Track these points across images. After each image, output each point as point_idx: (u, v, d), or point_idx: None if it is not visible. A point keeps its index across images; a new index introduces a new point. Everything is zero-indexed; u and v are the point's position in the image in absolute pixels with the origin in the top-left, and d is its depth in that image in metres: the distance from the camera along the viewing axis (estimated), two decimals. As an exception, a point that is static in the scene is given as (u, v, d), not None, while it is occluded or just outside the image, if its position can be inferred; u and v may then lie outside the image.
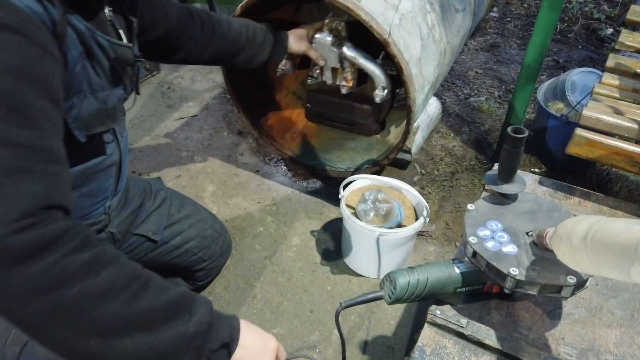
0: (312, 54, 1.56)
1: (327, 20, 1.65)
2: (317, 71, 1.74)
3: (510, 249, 0.83)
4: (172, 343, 0.65)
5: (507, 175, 0.94)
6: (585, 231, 0.64)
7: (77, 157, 0.90)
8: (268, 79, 2.05)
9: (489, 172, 0.99)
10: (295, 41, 1.50)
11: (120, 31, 0.91)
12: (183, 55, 1.29)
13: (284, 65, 1.75)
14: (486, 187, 1.09)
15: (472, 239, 0.85)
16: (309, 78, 1.82)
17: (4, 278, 0.56)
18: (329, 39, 1.60)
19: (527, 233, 0.87)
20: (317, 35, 1.61)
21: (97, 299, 0.61)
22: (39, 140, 0.63)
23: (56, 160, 0.66)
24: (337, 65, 1.67)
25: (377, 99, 1.66)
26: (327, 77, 1.74)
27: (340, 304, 0.87)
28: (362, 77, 1.81)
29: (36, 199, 0.60)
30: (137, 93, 1.02)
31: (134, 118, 2.29)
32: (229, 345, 0.71)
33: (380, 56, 1.62)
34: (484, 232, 0.86)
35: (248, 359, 0.74)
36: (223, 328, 0.71)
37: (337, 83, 1.75)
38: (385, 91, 1.64)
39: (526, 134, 0.87)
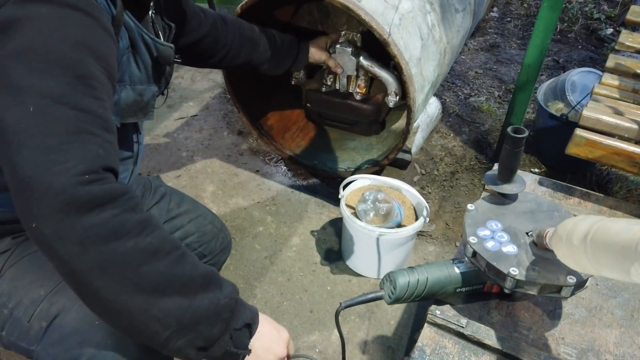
0: (331, 63, 1.66)
1: (343, 32, 1.79)
2: (331, 79, 1.82)
3: (510, 249, 0.83)
4: (207, 310, 0.69)
5: (507, 175, 0.94)
6: (585, 231, 0.64)
7: None
8: (268, 79, 2.05)
9: (489, 172, 0.99)
10: (316, 51, 1.60)
11: (160, 33, 0.98)
12: (216, 60, 1.38)
13: (298, 73, 1.92)
14: (486, 187, 1.09)
15: (472, 239, 0.85)
16: (323, 86, 1.91)
17: (67, 225, 0.60)
18: (349, 49, 1.74)
19: (527, 233, 0.87)
20: (338, 45, 1.76)
21: (147, 256, 0.65)
22: (99, 109, 0.68)
23: (112, 130, 0.71)
24: (354, 73, 1.79)
25: (391, 104, 1.78)
26: (342, 84, 1.86)
27: (340, 304, 0.87)
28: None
29: (99, 159, 0.65)
30: (166, 93, 1.08)
31: (134, 118, 2.29)
32: (251, 326, 0.75)
33: (392, 63, 1.68)
34: (484, 232, 0.86)
35: (264, 345, 0.77)
36: (246, 310, 0.76)
37: (351, 90, 1.85)
38: (398, 97, 1.74)
39: (526, 134, 0.87)
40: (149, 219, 0.68)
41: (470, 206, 0.93)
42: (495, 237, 0.85)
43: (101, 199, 0.63)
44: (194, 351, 0.69)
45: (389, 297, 0.86)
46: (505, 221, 0.89)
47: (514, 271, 0.79)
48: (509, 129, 0.88)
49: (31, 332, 0.83)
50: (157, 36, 0.97)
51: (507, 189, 0.95)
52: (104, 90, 0.70)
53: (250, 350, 0.76)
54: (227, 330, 0.72)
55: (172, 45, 0.97)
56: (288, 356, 0.85)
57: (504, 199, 0.95)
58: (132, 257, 0.64)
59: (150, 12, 0.94)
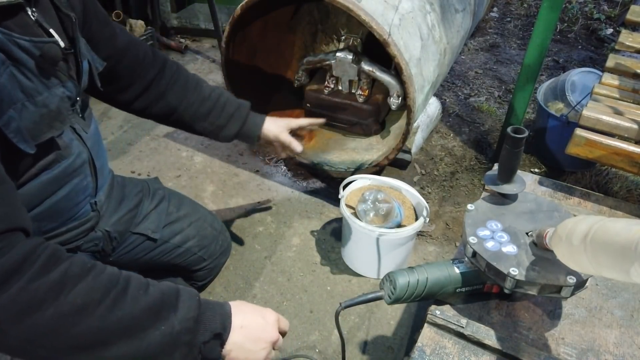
0: (285, 140, 1.31)
1: (344, 37, 1.82)
2: (333, 81, 1.85)
3: (510, 249, 0.83)
4: (160, 343, 0.65)
5: (507, 176, 0.94)
6: (585, 231, 0.64)
7: (40, 167, 0.87)
8: (268, 79, 2.05)
9: (488, 172, 0.99)
10: (271, 124, 1.30)
11: (52, 30, 0.85)
12: (133, 94, 1.15)
13: (300, 76, 1.95)
14: (486, 187, 1.09)
15: (472, 239, 0.85)
16: (325, 88, 1.91)
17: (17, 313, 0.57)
18: (350, 57, 1.76)
19: (527, 233, 0.87)
20: (338, 54, 1.78)
21: (74, 317, 0.60)
22: None
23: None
24: (356, 79, 1.83)
25: (393, 107, 1.80)
26: (344, 88, 1.89)
27: (340, 304, 0.87)
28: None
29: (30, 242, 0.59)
30: (98, 87, 0.98)
31: (134, 118, 2.28)
32: (221, 334, 0.71)
33: (393, 65, 1.70)
34: (483, 232, 0.86)
35: (251, 337, 0.74)
36: (214, 318, 0.71)
37: (353, 91, 1.88)
38: (400, 98, 1.75)
39: (526, 134, 0.87)
40: (66, 273, 0.62)
41: (470, 206, 0.93)
42: (495, 237, 0.85)
43: (1, 276, 0.58)
44: None
45: (389, 297, 0.86)
46: (505, 221, 0.89)
47: (513, 271, 0.79)
48: (509, 129, 0.88)
49: None
50: (49, 35, 0.84)
51: (507, 189, 0.95)
52: None
53: (224, 356, 0.72)
54: (193, 349, 0.68)
55: (54, 39, 0.84)
56: (283, 333, 0.81)
57: (504, 199, 0.95)
58: (57, 324, 0.60)
59: (29, 11, 0.81)
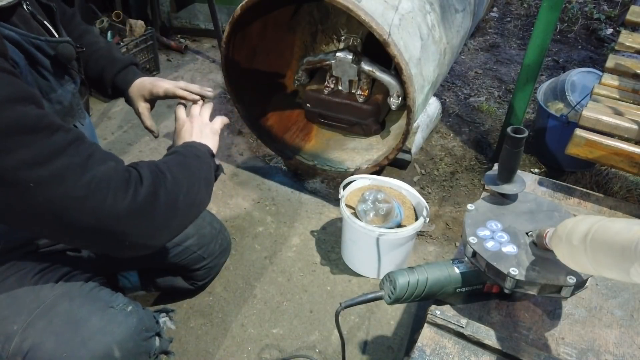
0: (140, 113, 1.20)
1: (344, 37, 1.81)
2: (333, 81, 1.85)
3: (510, 249, 0.83)
4: (208, 171, 0.95)
5: (507, 176, 0.94)
6: (585, 231, 0.64)
7: None
8: (268, 79, 2.05)
9: (488, 172, 0.99)
10: (137, 89, 1.16)
11: (45, 22, 0.89)
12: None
13: (300, 76, 1.95)
14: (486, 187, 1.09)
15: (472, 239, 0.85)
16: (325, 88, 1.89)
17: (150, 224, 0.78)
18: (349, 57, 1.76)
19: (527, 233, 0.87)
20: (338, 54, 1.77)
21: (191, 188, 0.87)
22: (68, 133, 0.71)
23: (86, 138, 0.75)
24: (356, 79, 1.83)
25: (393, 107, 1.80)
26: (345, 88, 1.88)
27: (340, 304, 0.87)
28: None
29: (117, 169, 0.75)
30: (86, 83, 1.03)
31: (134, 118, 2.28)
32: (211, 151, 0.99)
33: (393, 65, 1.70)
34: (483, 232, 0.86)
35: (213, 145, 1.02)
36: (204, 149, 0.98)
37: (353, 91, 1.87)
38: (400, 98, 1.74)
39: (526, 134, 0.87)
40: (171, 169, 0.86)
41: (470, 206, 0.93)
42: (495, 237, 0.85)
43: (153, 192, 0.78)
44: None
45: (389, 297, 0.86)
46: (505, 221, 0.89)
47: (513, 271, 0.79)
48: (509, 129, 0.88)
49: None
50: (44, 28, 0.88)
51: (507, 189, 0.95)
52: (53, 116, 0.71)
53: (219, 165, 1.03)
54: (212, 164, 0.98)
55: (68, 39, 0.89)
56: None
57: (504, 199, 0.95)
58: (189, 197, 0.87)
59: (24, 5, 0.84)
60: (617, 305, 0.95)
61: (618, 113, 1.30)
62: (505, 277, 0.80)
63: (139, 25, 2.46)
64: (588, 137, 1.26)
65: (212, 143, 1.02)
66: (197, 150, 0.96)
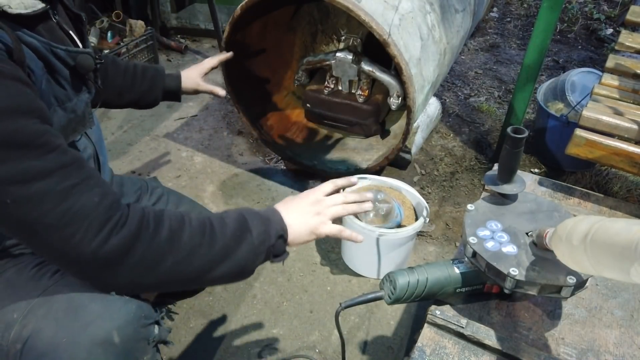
0: (205, 88, 1.44)
1: (344, 37, 1.80)
2: (333, 81, 1.85)
3: (510, 249, 0.83)
4: (248, 256, 0.82)
5: (507, 176, 0.94)
6: (585, 231, 0.64)
7: None
8: (268, 79, 2.06)
9: (488, 172, 0.99)
10: (187, 78, 1.40)
11: (71, 32, 0.89)
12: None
13: (300, 76, 1.95)
14: (486, 187, 1.09)
15: (472, 239, 0.85)
16: (325, 88, 1.89)
17: (112, 277, 0.72)
18: (349, 57, 1.76)
19: (527, 233, 0.87)
20: (338, 54, 1.77)
21: (187, 259, 0.77)
22: (63, 156, 0.69)
23: (83, 164, 0.72)
24: (356, 79, 1.83)
25: (393, 107, 1.80)
26: (345, 88, 1.88)
27: (340, 304, 0.87)
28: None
29: (100, 206, 0.70)
30: (100, 88, 1.02)
31: (134, 118, 2.29)
32: (283, 235, 0.87)
33: (393, 65, 1.70)
34: (483, 233, 0.86)
35: (297, 213, 0.89)
36: (275, 224, 0.86)
37: (353, 91, 1.88)
38: (400, 98, 1.74)
39: (526, 134, 0.87)
40: (172, 227, 0.77)
41: (470, 206, 0.93)
42: (495, 238, 0.85)
43: (126, 245, 0.71)
44: (248, 277, 0.87)
45: (389, 297, 0.86)
46: (505, 221, 0.89)
47: (514, 271, 0.79)
48: (509, 129, 0.88)
49: (10, 355, 0.84)
50: (69, 36, 0.88)
51: (507, 189, 0.95)
52: (53, 136, 0.69)
53: (287, 252, 0.90)
54: (269, 254, 0.86)
55: (89, 50, 0.88)
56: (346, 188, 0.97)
57: (504, 199, 0.95)
58: (177, 268, 0.76)
59: (51, 15, 0.84)
60: (617, 305, 0.95)
61: (618, 113, 1.30)
62: (505, 277, 0.80)
63: (139, 25, 2.46)
64: (588, 137, 1.26)
65: (300, 234, 0.89)
66: (252, 225, 0.84)
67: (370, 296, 0.87)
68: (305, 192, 0.93)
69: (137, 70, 1.29)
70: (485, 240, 0.85)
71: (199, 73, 1.41)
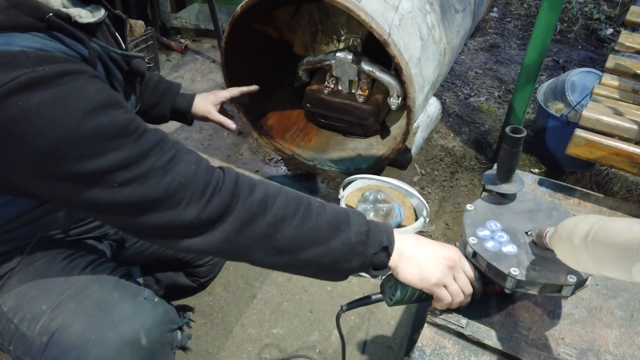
0: (215, 118, 1.32)
1: (344, 37, 1.80)
2: (333, 81, 1.85)
3: (510, 248, 0.83)
4: (340, 251, 0.78)
5: (505, 175, 0.94)
6: (586, 230, 0.64)
7: None
8: (268, 79, 2.06)
9: (487, 172, 0.99)
10: (199, 102, 1.31)
11: (117, 34, 0.91)
12: None
13: (300, 76, 1.96)
14: (485, 187, 1.09)
15: (471, 240, 0.85)
16: (325, 89, 1.89)
17: (212, 235, 0.74)
18: (350, 57, 1.76)
19: (526, 232, 0.87)
20: (338, 54, 1.77)
21: (278, 225, 0.75)
22: (153, 135, 0.72)
23: (169, 139, 0.75)
24: (356, 79, 1.83)
25: (393, 107, 1.80)
26: (345, 88, 1.88)
27: (342, 307, 0.87)
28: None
29: (197, 172, 0.73)
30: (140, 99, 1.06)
31: (134, 118, 2.29)
32: (387, 247, 0.80)
33: (393, 65, 1.70)
34: (483, 233, 0.86)
35: (424, 252, 0.82)
36: (380, 233, 0.80)
37: (353, 91, 1.88)
38: (400, 98, 1.74)
39: (524, 133, 0.87)
40: (267, 191, 0.77)
41: (469, 206, 0.93)
42: (495, 237, 0.85)
43: (225, 206, 0.73)
44: (340, 279, 0.83)
45: (390, 299, 0.86)
46: (505, 221, 0.89)
47: (514, 271, 0.79)
48: (508, 129, 0.88)
49: (33, 347, 0.84)
50: (115, 40, 0.91)
51: (505, 188, 0.95)
52: (138, 120, 0.72)
53: (390, 267, 0.82)
54: (366, 259, 0.79)
55: (142, 55, 0.92)
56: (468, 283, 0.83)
57: (503, 199, 0.95)
58: (267, 231, 0.75)
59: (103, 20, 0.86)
60: (617, 305, 0.95)
61: (618, 113, 1.30)
62: (505, 277, 0.80)
63: (139, 25, 2.46)
64: (588, 137, 1.25)
65: (410, 269, 0.80)
66: (353, 222, 0.79)
67: (372, 298, 0.87)
68: (448, 247, 0.85)
69: (150, 81, 1.25)
70: (485, 240, 0.85)
71: (214, 101, 1.32)
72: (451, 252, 0.83)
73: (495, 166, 0.99)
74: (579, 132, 1.27)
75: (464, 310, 0.91)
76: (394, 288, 0.85)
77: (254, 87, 1.38)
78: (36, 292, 0.88)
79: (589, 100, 1.40)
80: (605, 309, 0.95)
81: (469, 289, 0.83)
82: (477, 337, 0.86)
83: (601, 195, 1.23)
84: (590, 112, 1.28)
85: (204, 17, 2.91)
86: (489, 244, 0.83)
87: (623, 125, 1.25)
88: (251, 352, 1.36)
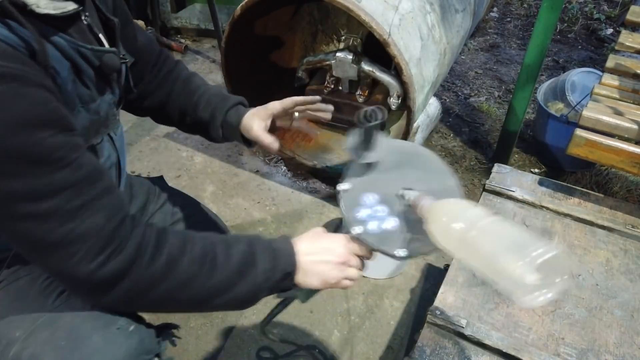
0: (255, 135, 1.07)
1: (344, 37, 1.80)
2: (334, 81, 1.85)
3: (392, 222, 0.77)
4: (247, 292, 0.79)
5: (367, 147, 0.82)
6: (472, 221, 0.63)
7: None
8: (268, 79, 2.05)
9: (349, 139, 0.84)
10: (250, 119, 1.09)
11: (100, 35, 0.86)
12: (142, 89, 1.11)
13: (300, 76, 1.95)
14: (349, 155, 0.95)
15: (353, 230, 0.77)
16: (325, 89, 1.89)
17: (104, 297, 0.72)
18: (350, 57, 1.75)
19: (398, 195, 0.79)
20: (338, 54, 1.76)
21: (183, 287, 0.75)
22: (76, 172, 0.67)
23: (97, 178, 0.71)
24: (356, 79, 1.82)
25: (393, 107, 1.80)
26: (345, 88, 1.88)
27: (261, 324, 0.90)
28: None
29: (103, 229, 0.69)
30: (134, 90, 1.00)
31: (134, 118, 2.28)
32: (290, 272, 0.82)
33: (393, 65, 1.69)
34: (361, 213, 0.79)
35: (316, 261, 0.83)
36: (283, 260, 0.81)
37: (353, 91, 1.88)
38: (400, 99, 1.74)
39: (379, 120, 0.75)
40: (170, 254, 0.74)
41: (341, 187, 0.82)
42: (375, 215, 0.78)
43: (122, 270, 0.70)
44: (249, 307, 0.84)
45: (302, 300, 0.84)
46: (378, 187, 0.80)
47: (401, 252, 0.75)
48: (359, 114, 0.76)
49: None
50: (98, 40, 0.85)
51: (370, 157, 0.82)
52: (69, 150, 0.67)
53: (296, 285, 0.83)
54: (272, 290, 0.81)
55: (114, 49, 0.85)
56: (363, 257, 0.84)
57: (370, 165, 0.85)
58: (170, 295, 0.74)
59: (82, 17, 0.81)
60: (617, 305, 0.95)
61: (618, 113, 1.30)
62: (394, 256, 0.76)
63: (139, 25, 2.46)
64: (588, 137, 1.25)
65: (310, 281, 0.82)
66: (259, 260, 0.79)
67: (285, 301, 0.87)
68: (335, 240, 0.85)
69: (204, 95, 1.11)
70: (366, 222, 0.77)
71: (263, 115, 1.09)
72: (339, 248, 0.83)
73: (355, 132, 0.85)
74: (579, 132, 1.27)
75: (464, 310, 0.91)
76: (303, 292, 0.84)
77: (317, 98, 1.12)
78: (13, 317, 0.85)
79: (589, 100, 1.40)
80: (605, 309, 0.95)
81: (364, 265, 0.86)
82: (477, 337, 0.87)
83: (601, 195, 1.23)
84: (591, 112, 1.28)
85: (204, 17, 2.91)
86: (371, 226, 0.77)
87: (623, 125, 1.25)
88: (251, 352, 1.36)
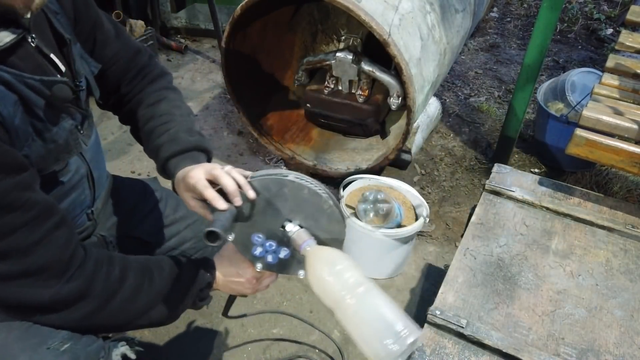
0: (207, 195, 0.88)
1: (344, 37, 1.80)
2: (333, 81, 1.85)
3: (284, 252, 0.83)
4: (177, 306, 0.90)
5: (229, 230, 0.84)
6: (345, 293, 0.71)
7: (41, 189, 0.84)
8: (268, 79, 2.06)
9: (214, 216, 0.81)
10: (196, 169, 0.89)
11: (52, 55, 0.82)
12: (111, 99, 1.06)
13: (300, 76, 1.95)
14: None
15: (258, 267, 0.85)
16: (325, 88, 1.88)
17: (67, 316, 0.78)
18: (350, 57, 1.75)
19: (281, 228, 0.82)
20: (338, 54, 1.77)
21: (132, 299, 0.83)
22: (28, 212, 0.70)
23: (49, 215, 0.74)
24: (356, 79, 1.82)
25: (393, 107, 1.80)
26: (345, 88, 1.88)
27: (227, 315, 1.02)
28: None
29: (59, 260, 0.75)
30: (96, 98, 0.97)
31: (134, 118, 2.28)
32: (210, 283, 0.92)
33: (393, 65, 1.69)
34: (257, 251, 0.84)
35: (232, 282, 0.93)
36: (205, 276, 0.91)
37: (353, 91, 1.87)
38: (400, 98, 1.74)
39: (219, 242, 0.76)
40: (123, 268, 0.83)
41: (230, 237, 0.84)
42: (268, 250, 0.84)
43: (85, 285, 0.77)
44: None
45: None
46: (260, 227, 0.83)
47: (301, 274, 0.84)
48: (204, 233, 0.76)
49: None
50: (51, 62, 0.82)
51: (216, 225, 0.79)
52: (20, 190, 0.70)
53: (210, 297, 0.95)
54: (195, 301, 0.92)
55: (65, 79, 0.82)
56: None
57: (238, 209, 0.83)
58: (123, 307, 0.83)
59: (29, 39, 0.78)
60: (617, 305, 0.95)
61: (618, 113, 1.30)
62: (297, 275, 0.85)
63: (139, 25, 2.46)
64: (588, 137, 1.25)
65: (230, 284, 0.94)
66: (185, 275, 0.91)
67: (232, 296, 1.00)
68: (244, 273, 0.92)
69: (161, 127, 0.98)
70: (264, 257, 0.84)
71: (208, 171, 0.89)
72: (248, 277, 0.92)
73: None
74: (579, 131, 1.27)
75: (464, 310, 0.91)
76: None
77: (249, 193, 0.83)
78: None
79: (589, 100, 1.40)
80: (605, 309, 0.95)
81: (274, 277, 0.98)
82: (477, 337, 0.87)
83: (601, 195, 1.23)
84: (591, 112, 1.28)
85: (204, 17, 2.91)
86: (269, 258, 0.84)
87: (623, 124, 1.25)
88: (251, 352, 1.36)
